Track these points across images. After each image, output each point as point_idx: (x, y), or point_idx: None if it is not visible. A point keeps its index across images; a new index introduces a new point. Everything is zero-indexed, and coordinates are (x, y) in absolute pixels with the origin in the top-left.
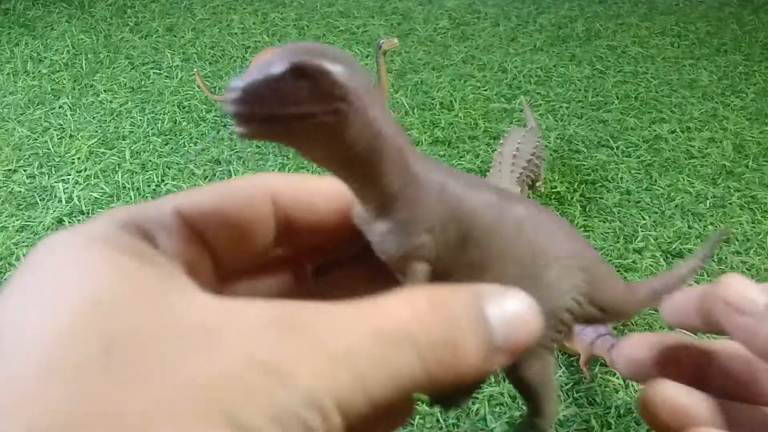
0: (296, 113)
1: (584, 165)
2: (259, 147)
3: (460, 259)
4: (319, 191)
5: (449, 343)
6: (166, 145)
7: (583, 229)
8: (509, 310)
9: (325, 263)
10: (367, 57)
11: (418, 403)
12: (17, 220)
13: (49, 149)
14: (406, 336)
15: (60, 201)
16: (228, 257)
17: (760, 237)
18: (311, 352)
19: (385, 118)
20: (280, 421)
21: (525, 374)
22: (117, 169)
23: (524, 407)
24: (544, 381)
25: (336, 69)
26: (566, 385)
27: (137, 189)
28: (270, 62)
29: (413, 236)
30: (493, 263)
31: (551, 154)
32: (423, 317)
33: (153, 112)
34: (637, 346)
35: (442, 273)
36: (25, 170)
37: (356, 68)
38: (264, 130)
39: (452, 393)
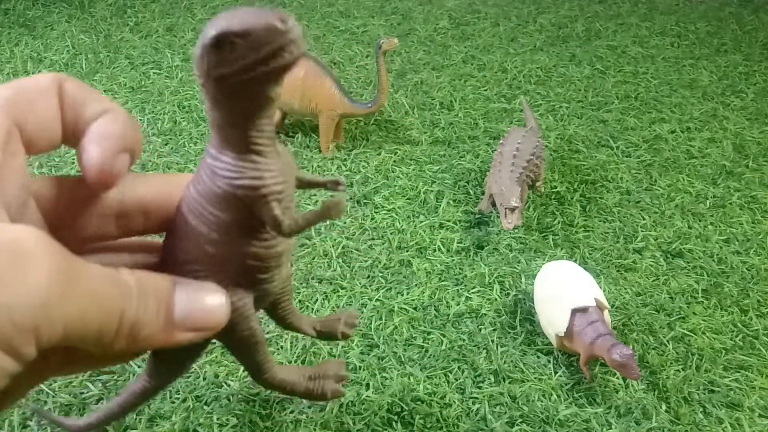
0: None
1: (584, 165)
2: None
3: None
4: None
5: (137, 315)
6: (166, 145)
7: (583, 229)
8: (196, 300)
9: None
10: (367, 57)
11: (418, 402)
12: None
13: None
14: (113, 298)
15: None
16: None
17: (760, 237)
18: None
19: None
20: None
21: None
22: None
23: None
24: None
25: None
26: (566, 385)
27: None
28: None
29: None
30: None
31: (551, 154)
32: (133, 292)
33: (153, 112)
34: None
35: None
36: None
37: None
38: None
39: (170, 360)
